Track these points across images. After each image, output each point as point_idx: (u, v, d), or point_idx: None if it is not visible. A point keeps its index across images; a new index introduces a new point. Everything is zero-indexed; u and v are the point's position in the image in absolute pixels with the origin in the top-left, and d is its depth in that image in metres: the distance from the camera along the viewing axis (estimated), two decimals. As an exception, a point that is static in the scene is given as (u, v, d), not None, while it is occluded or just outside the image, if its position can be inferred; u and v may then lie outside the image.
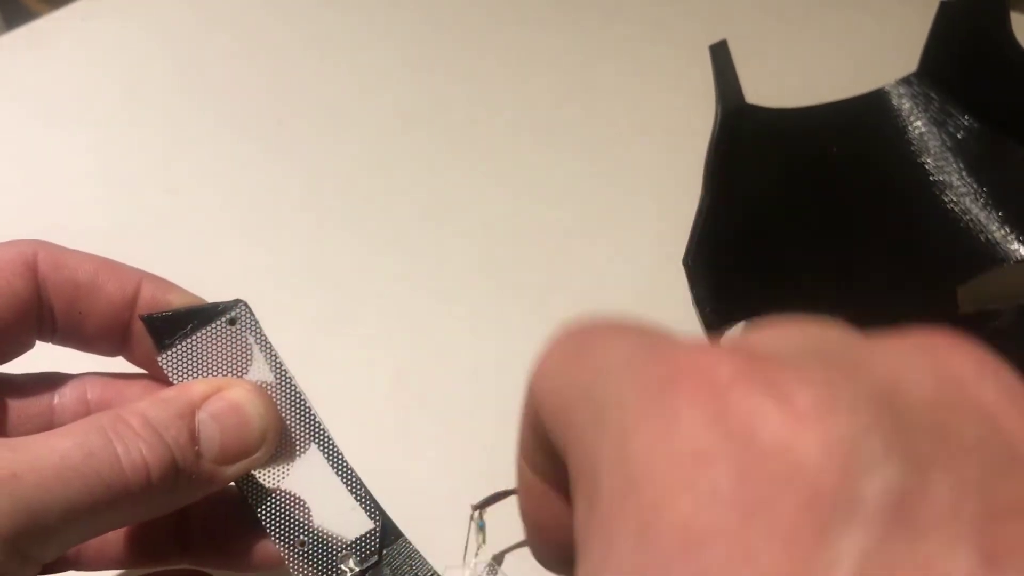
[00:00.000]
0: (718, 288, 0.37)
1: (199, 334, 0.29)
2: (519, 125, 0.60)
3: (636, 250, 0.51)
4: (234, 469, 0.27)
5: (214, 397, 0.27)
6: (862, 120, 0.45)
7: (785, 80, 0.49)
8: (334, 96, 0.63)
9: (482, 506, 0.36)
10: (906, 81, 0.46)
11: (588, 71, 0.65)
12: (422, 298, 0.49)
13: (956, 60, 0.45)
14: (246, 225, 0.54)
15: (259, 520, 0.28)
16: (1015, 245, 0.44)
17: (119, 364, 0.33)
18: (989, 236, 0.44)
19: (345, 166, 0.58)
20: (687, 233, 0.39)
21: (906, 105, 0.46)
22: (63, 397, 0.31)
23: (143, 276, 0.31)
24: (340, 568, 0.29)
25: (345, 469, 0.30)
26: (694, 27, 0.66)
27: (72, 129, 0.60)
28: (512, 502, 0.36)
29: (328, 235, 0.53)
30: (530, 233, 0.53)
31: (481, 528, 0.36)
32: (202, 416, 0.27)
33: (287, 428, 0.30)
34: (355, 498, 0.30)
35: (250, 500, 0.29)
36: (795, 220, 0.44)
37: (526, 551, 0.38)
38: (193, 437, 0.26)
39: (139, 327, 0.30)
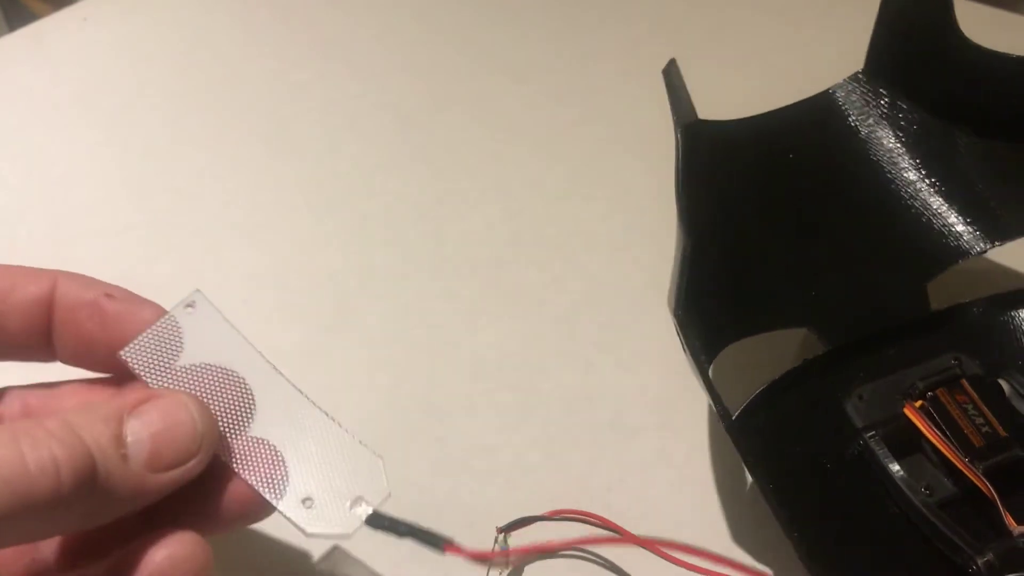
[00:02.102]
0: (706, 321, 0.37)
1: (158, 325, 0.30)
2: (520, 127, 0.61)
3: (636, 249, 0.52)
4: (167, 477, 0.26)
5: (147, 404, 0.26)
6: (814, 123, 0.45)
7: (733, 91, 0.49)
8: (334, 96, 0.63)
9: (507, 529, 0.36)
10: (854, 79, 0.46)
11: (586, 74, 0.65)
12: (422, 298, 0.50)
13: (902, 55, 0.44)
14: (247, 224, 0.54)
15: (255, 488, 0.29)
16: (978, 237, 0.44)
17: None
18: (951, 230, 0.44)
19: (345, 166, 0.58)
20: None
21: (855, 104, 0.46)
22: (2, 409, 0.30)
23: (59, 273, 0.30)
24: (353, 512, 0.29)
25: (329, 426, 0.30)
26: (685, 34, 0.67)
27: (73, 129, 0.61)
28: (538, 527, 0.36)
29: (329, 234, 0.53)
30: (529, 234, 0.53)
31: (504, 551, 0.36)
32: (132, 421, 0.26)
33: (264, 396, 0.30)
34: (348, 448, 0.30)
35: (241, 470, 0.29)
36: (764, 232, 0.44)
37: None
38: (119, 439, 0.25)
39: (59, 322, 0.30)
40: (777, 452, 0.38)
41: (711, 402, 0.35)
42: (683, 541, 0.35)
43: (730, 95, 0.44)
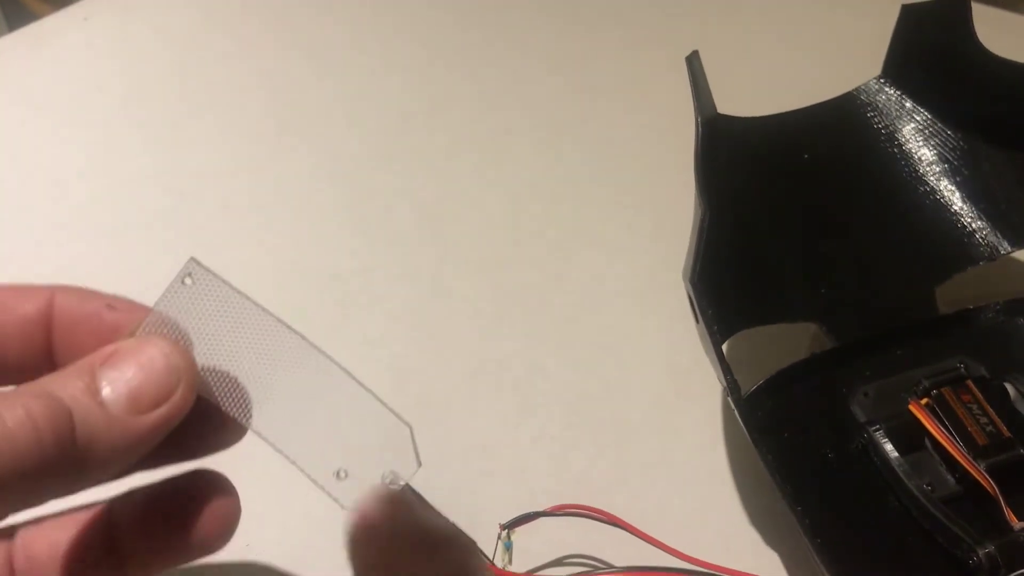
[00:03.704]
0: (720, 302, 0.37)
1: (160, 306, 0.28)
2: (521, 127, 0.61)
3: (635, 249, 0.52)
4: (153, 417, 0.26)
5: (116, 354, 0.26)
6: (834, 124, 0.46)
7: (755, 89, 0.49)
8: (334, 96, 0.63)
9: (511, 526, 0.36)
10: (873, 83, 0.46)
11: (586, 74, 0.65)
12: (422, 298, 0.50)
13: (921, 61, 0.45)
14: (247, 224, 0.54)
15: (293, 462, 0.28)
16: (990, 242, 0.44)
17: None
18: (964, 235, 0.45)
19: (345, 166, 0.58)
20: (683, 233, 0.39)
21: (875, 107, 0.46)
22: None
23: (55, 288, 0.29)
24: (388, 487, 0.29)
25: (357, 391, 0.29)
26: (683, 37, 0.67)
27: (72, 129, 0.61)
28: (540, 524, 0.36)
29: (328, 234, 0.53)
30: (530, 234, 0.53)
31: (508, 548, 0.36)
32: (104, 371, 0.26)
33: (287, 365, 0.29)
34: (377, 415, 0.29)
35: (273, 444, 0.28)
36: (779, 227, 0.44)
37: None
38: (92, 389, 0.25)
39: (60, 340, 0.28)
40: (780, 438, 0.38)
41: (720, 376, 0.35)
42: (687, 538, 0.35)
43: (749, 93, 0.45)
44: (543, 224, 0.54)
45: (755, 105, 0.43)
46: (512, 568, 0.36)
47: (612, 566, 0.37)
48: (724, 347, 0.38)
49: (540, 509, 0.37)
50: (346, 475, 0.29)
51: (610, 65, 0.66)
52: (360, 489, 0.29)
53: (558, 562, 0.38)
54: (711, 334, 0.35)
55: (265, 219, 0.54)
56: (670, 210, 0.45)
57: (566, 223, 0.54)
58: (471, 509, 0.40)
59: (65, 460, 0.24)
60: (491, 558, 0.36)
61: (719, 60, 0.43)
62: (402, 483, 0.29)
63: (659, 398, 0.44)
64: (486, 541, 0.36)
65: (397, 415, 0.29)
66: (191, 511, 0.29)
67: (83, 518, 0.30)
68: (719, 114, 0.41)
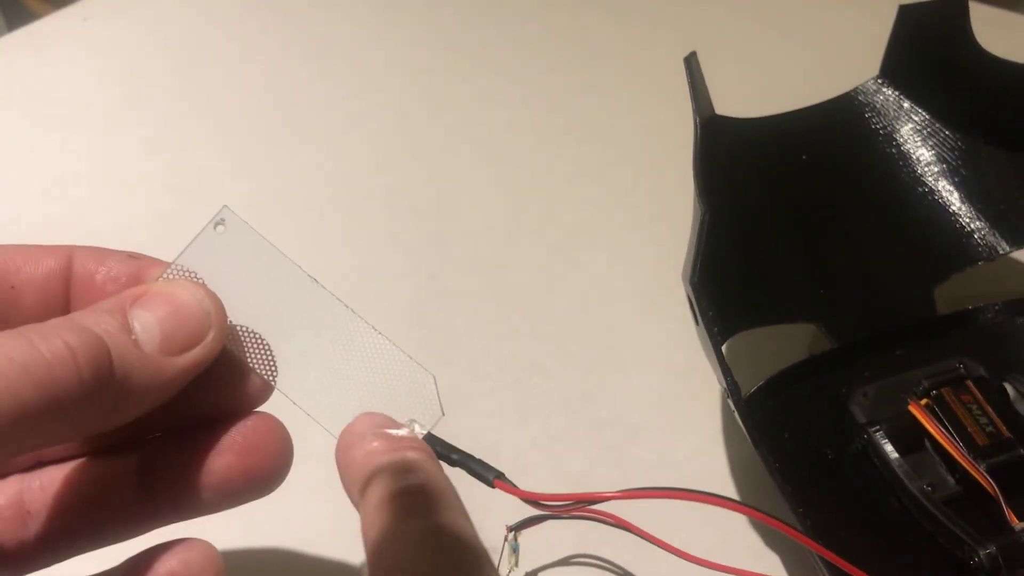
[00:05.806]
0: (720, 303, 0.37)
1: (191, 248, 0.28)
2: (522, 128, 0.61)
3: (635, 249, 0.52)
4: (186, 359, 0.26)
5: (147, 295, 0.26)
6: (832, 125, 0.46)
7: (754, 89, 0.49)
8: (334, 96, 0.63)
9: (517, 528, 0.36)
10: (871, 84, 0.46)
11: (586, 74, 0.65)
12: (422, 298, 0.50)
13: (918, 61, 0.45)
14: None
15: (312, 415, 0.28)
16: (989, 242, 0.44)
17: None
18: (963, 235, 0.45)
19: (345, 166, 0.58)
20: (683, 234, 0.39)
21: (873, 108, 0.46)
22: None
23: (74, 248, 0.29)
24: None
25: (379, 342, 0.29)
26: (682, 37, 0.67)
27: (72, 129, 0.61)
28: (547, 527, 0.36)
29: (328, 233, 0.53)
30: (530, 234, 0.53)
31: (515, 551, 0.36)
32: (135, 311, 0.25)
33: (311, 316, 0.29)
34: (399, 366, 0.29)
35: (293, 399, 0.28)
36: (778, 228, 0.44)
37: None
38: (126, 328, 0.25)
39: (78, 294, 0.28)
40: (780, 439, 0.38)
41: (720, 377, 0.35)
42: (688, 540, 0.35)
43: (747, 94, 0.45)
44: (543, 224, 0.54)
45: (753, 106, 0.43)
46: (519, 571, 0.36)
47: (620, 568, 0.38)
48: (724, 348, 0.38)
49: (546, 512, 0.37)
50: None
51: (610, 65, 0.66)
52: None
53: (564, 562, 0.38)
54: (711, 335, 0.35)
55: (264, 217, 0.54)
56: (670, 211, 0.45)
57: (566, 223, 0.54)
58: (472, 512, 0.40)
59: (104, 393, 0.24)
60: (497, 562, 0.36)
61: (717, 61, 0.43)
62: (424, 431, 0.28)
63: (659, 398, 0.44)
64: (492, 544, 0.36)
65: (422, 366, 0.28)
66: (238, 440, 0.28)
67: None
68: (717, 115, 0.41)
